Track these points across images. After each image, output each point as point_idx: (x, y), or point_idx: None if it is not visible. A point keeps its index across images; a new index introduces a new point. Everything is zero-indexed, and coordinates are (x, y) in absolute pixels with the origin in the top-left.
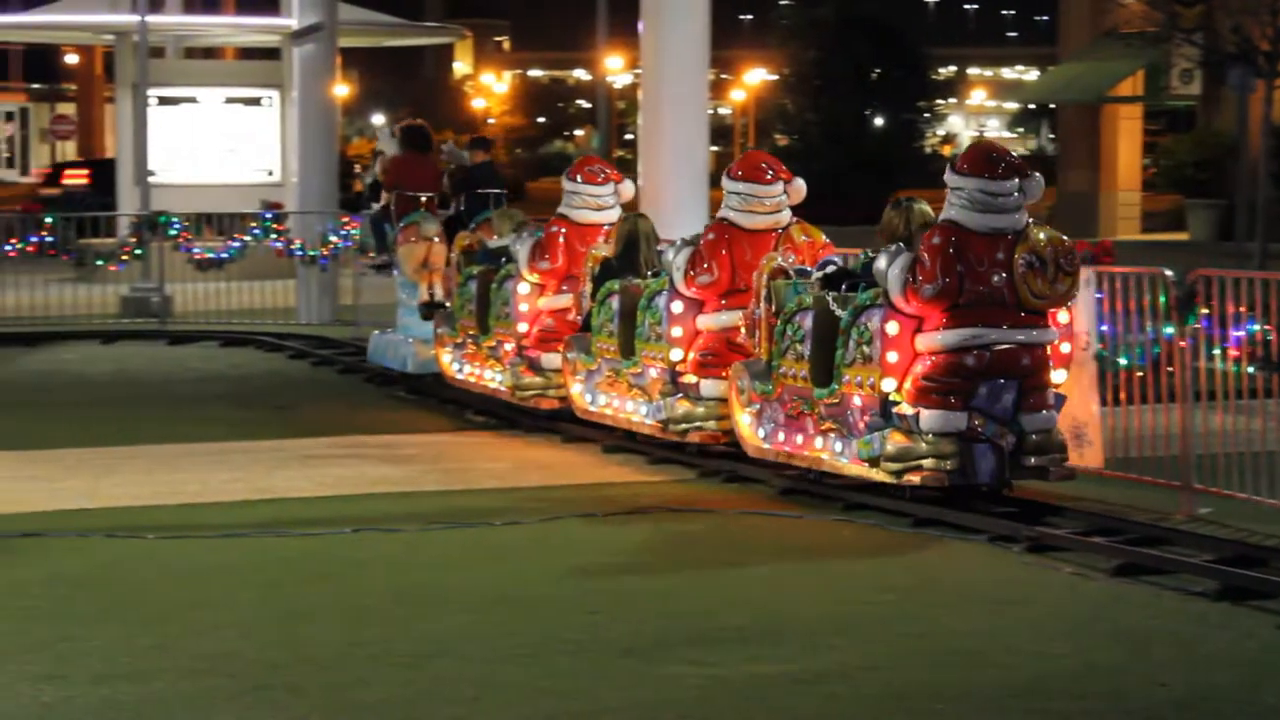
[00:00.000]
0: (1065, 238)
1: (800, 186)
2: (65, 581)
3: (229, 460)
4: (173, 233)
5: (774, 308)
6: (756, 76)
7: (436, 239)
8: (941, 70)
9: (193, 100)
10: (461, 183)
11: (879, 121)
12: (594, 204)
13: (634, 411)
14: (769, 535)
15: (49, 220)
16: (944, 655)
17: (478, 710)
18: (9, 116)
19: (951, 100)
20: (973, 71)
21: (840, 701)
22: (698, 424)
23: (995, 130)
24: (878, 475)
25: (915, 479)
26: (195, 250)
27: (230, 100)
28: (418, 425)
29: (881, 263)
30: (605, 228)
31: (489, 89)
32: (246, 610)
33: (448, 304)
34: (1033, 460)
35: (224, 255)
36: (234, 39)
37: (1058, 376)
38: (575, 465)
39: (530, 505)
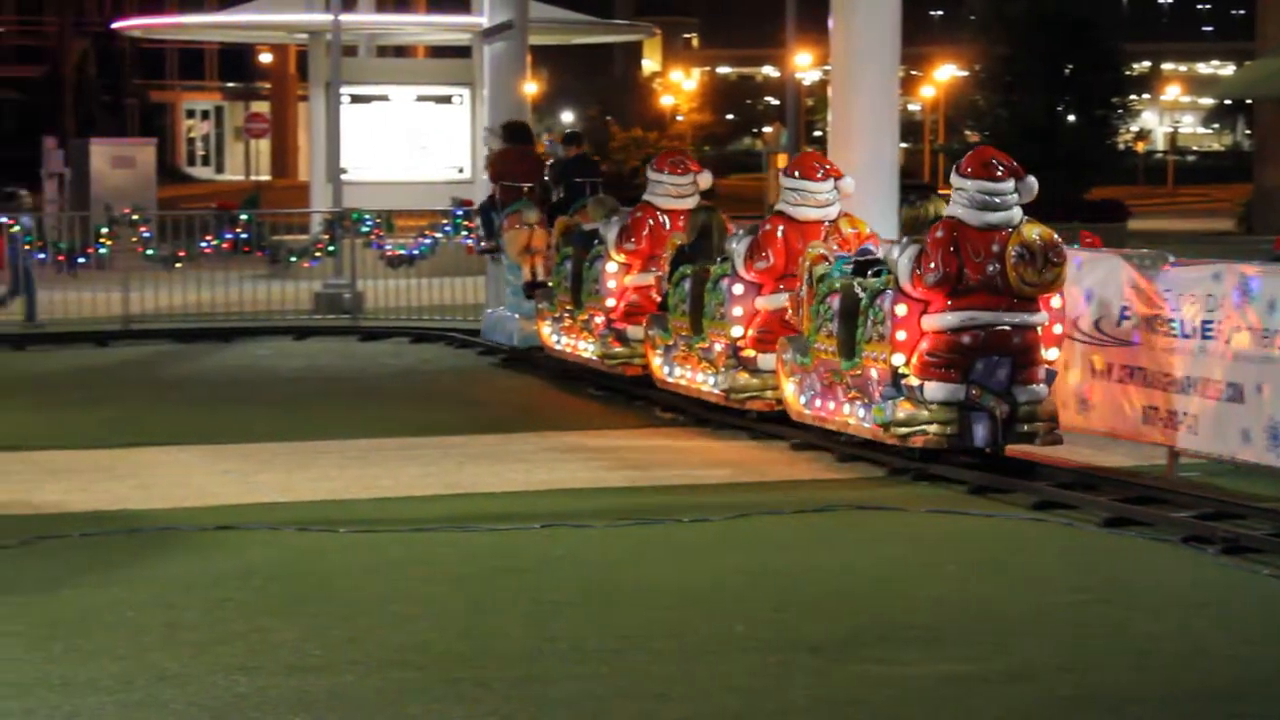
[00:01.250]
0: (1055, 234)
1: (849, 184)
2: (258, 574)
3: (420, 455)
4: (365, 230)
5: (813, 290)
6: (947, 73)
7: (537, 224)
8: (1135, 66)
9: (384, 98)
10: (561, 173)
11: (1071, 118)
12: (675, 192)
13: (703, 382)
14: (958, 534)
15: (244, 218)
16: (1137, 657)
17: (665, 707)
18: (204, 115)
19: (1145, 96)
20: (1167, 67)
21: (1030, 702)
22: (755, 393)
23: (1190, 126)
24: (888, 438)
25: (919, 442)
26: (386, 247)
27: (421, 98)
28: (606, 422)
29: (894, 252)
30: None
31: (677, 86)
32: (436, 604)
33: (548, 283)
34: (1024, 427)
35: (415, 252)
36: (425, 37)
37: (1050, 354)
38: (763, 462)
39: (718, 502)
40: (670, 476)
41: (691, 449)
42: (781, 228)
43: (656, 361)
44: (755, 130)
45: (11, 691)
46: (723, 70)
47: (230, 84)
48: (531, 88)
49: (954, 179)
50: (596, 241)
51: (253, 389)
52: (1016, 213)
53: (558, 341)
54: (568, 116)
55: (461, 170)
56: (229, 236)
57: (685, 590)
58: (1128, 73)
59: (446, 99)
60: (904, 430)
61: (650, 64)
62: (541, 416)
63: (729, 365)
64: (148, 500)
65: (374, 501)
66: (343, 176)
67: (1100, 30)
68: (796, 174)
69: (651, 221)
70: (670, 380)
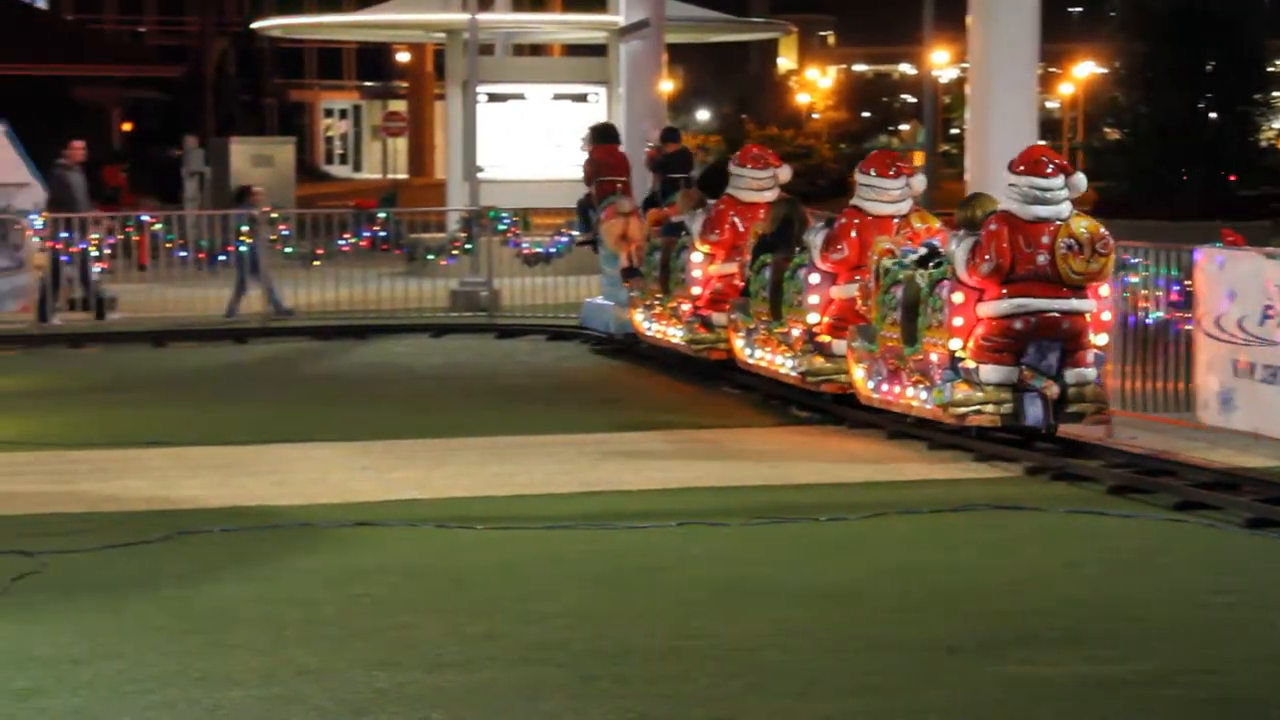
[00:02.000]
0: (1101, 227)
1: (920, 181)
2: (397, 570)
3: (556, 453)
4: (501, 228)
5: (879, 281)
6: (1085, 70)
7: (632, 214)
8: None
9: (521, 97)
10: (659, 167)
11: (1212, 115)
12: (755, 186)
13: (782, 364)
14: (1098, 534)
15: (382, 216)
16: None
17: (803, 705)
18: (343, 114)
19: None
20: None
21: (1170, 705)
22: (828, 376)
23: None
24: (946, 418)
25: (975, 421)
26: (523, 245)
27: (558, 97)
28: (743, 420)
29: (951, 245)
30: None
31: (813, 84)
32: (574, 601)
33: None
34: (1073, 408)
35: (551, 250)
36: (561, 36)
37: (1099, 339)
38: (900, 461)
39: (855, 501)
40: (806, 475)
41: (828, 447)
42: (856, 222)
43: (739, 344)
44: (891, 128)
45: (153, 685)
46: (859, 68)
47: (368, 83)
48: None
49: (1008, 176)
50: (684, 233)
51: (390, 386)
52: (1065, 207)
53: (649, 328)
54: (703, 115)
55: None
56: (367, 234)
57: (822, 589)
58: (1270, 69)
59: (582, 97)
60: (961, 410)
61: (786, 62)
62: (678, 414)
63: (805, 349)
64: (286, 496)
65: (510, 498)
66: (479, 175)
67: (1243, 27)
68: (871, 171)
69: (733, 213)
70: (751, 362)
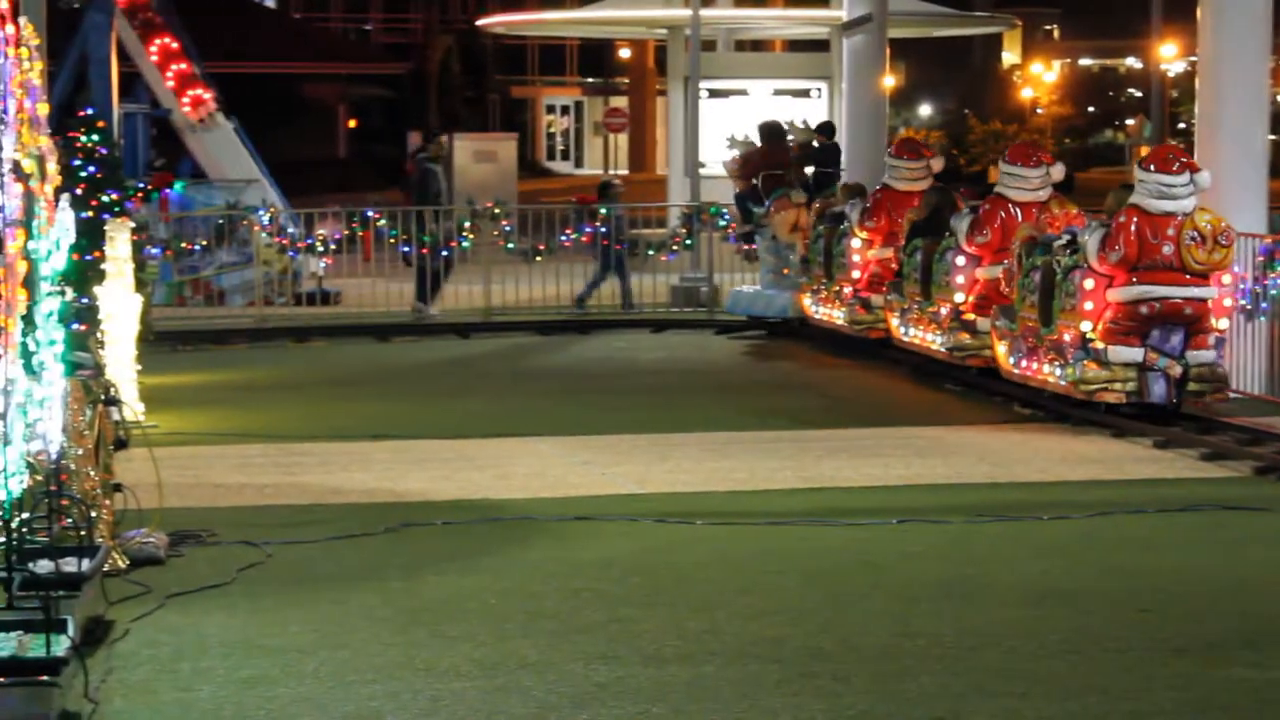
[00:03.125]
0: (1223, 220)
1: (1060, 169)
2: (616, 564)
3: (776, 449)
4: (722, 224)
5: (1020, 265)
6: None
7: (804, 205)
8: None
9: (743, 93)
10: (812, 162)
11: None
12: (909, 176)
13: (932, 341)
14: None
15: (603, 211)
16: None
17: (1025, 705)
18: (564, 110)
19: None
20: None
21: None
22: (974, 352)
23: None
24: (1078, 394)
25: (1104, 398)
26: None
27: (779, 92)
28: (964, 417)
29: (1084, 235)
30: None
31: (1038, 78)
32: (793, 597)
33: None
34: (1193, 387)
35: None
36: (783, 31)
37: (1220, 324)
38: (1124, 459)
39: (1079, 499)
40: (1029, 473)
41: (1050, 446)
42: (999, 209)
43: (894, 323)
44: (1117, 123)
45: (377, 675)
46: (1084, 62)
47: (590, 79)
48: (889, 81)
49: (1137, 172)
50: (844, 221)
51: (610, 381)
52: (1190, 202)
53: (816, 311)
54: (925, 110)
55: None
56: (588, 230)
57: (1045, 588)
58: None
59: (805, 93)
60: (1090, 387)
61: (1010, 56)
62: (898, 411)
63: (953, 327)
64: (508, 490)
65: (730, 494)
66: (700, 170)
67: None
68: (1017, 163)
69: (889, 202)
70: (905, 339)
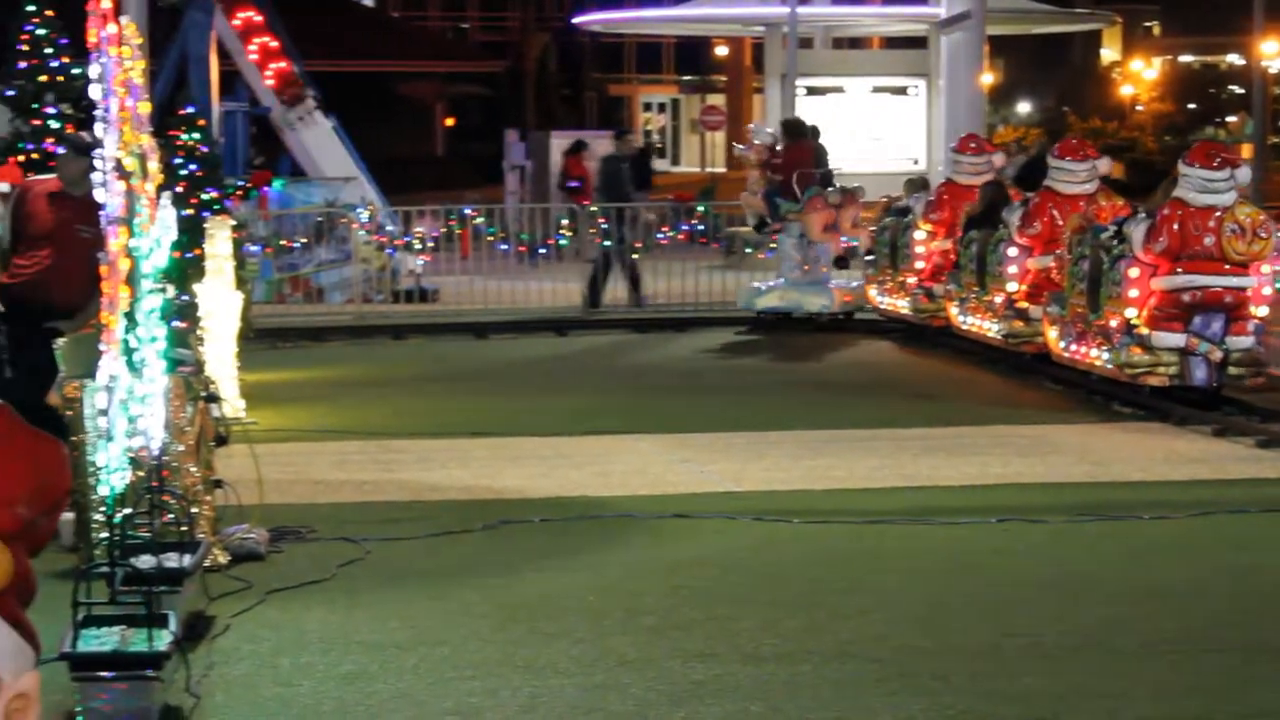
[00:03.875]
0: (1262, 213)
1: (1107, 163)
2: (715, 562)
3: (874, 447)
4: None
5: (1070, 254)
6: None
7: (847, 204)
8: None
9: (840, 90)
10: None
11: None
12: (971, 170)
13: (988, 328)
14: None
15: (699, 209)
16: None
17: (1126, 706)
18: (661, 108)
19: None
20: None
21: None
22: (1027, 338)
23: None
24: (1123, 377)
25: (1147, 380)
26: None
27: (877, 89)
28: (1062, 416)
29: (1129, 226)
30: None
31: (1137, 75)
32: (892, 596)
33: (848, 256)
34: (1233, 370)
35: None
36: (881, 28)
37: (1260, 311)
38: (1226, 459)
39: (1180, 499)
40: (1130, 472)
41: (1151, 445)
42: (1049, 202)
43: (954, 312)
44: (1218, 120)
45: (477, 672)
46: (1185, 59)
47: (686, 77)
48: (988, 78)
49: (1181, 167)
50: (909, 215)
51: (707, 379)
52: (1230, 196)
53: (881, 300)
54: (1024, 107)
55: (916, 161)
56: (684, 228)
57: (1146, 588)
58: None
59: (902, 90)
60: (1135, 370)
61: (1110, 53)
62: (997, 409)
63: (1007, 314)
64: (606, 487)
65: (828, 493)
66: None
67: None
68: (1066, 157)
69: (948, 196)
70: (964, 327)
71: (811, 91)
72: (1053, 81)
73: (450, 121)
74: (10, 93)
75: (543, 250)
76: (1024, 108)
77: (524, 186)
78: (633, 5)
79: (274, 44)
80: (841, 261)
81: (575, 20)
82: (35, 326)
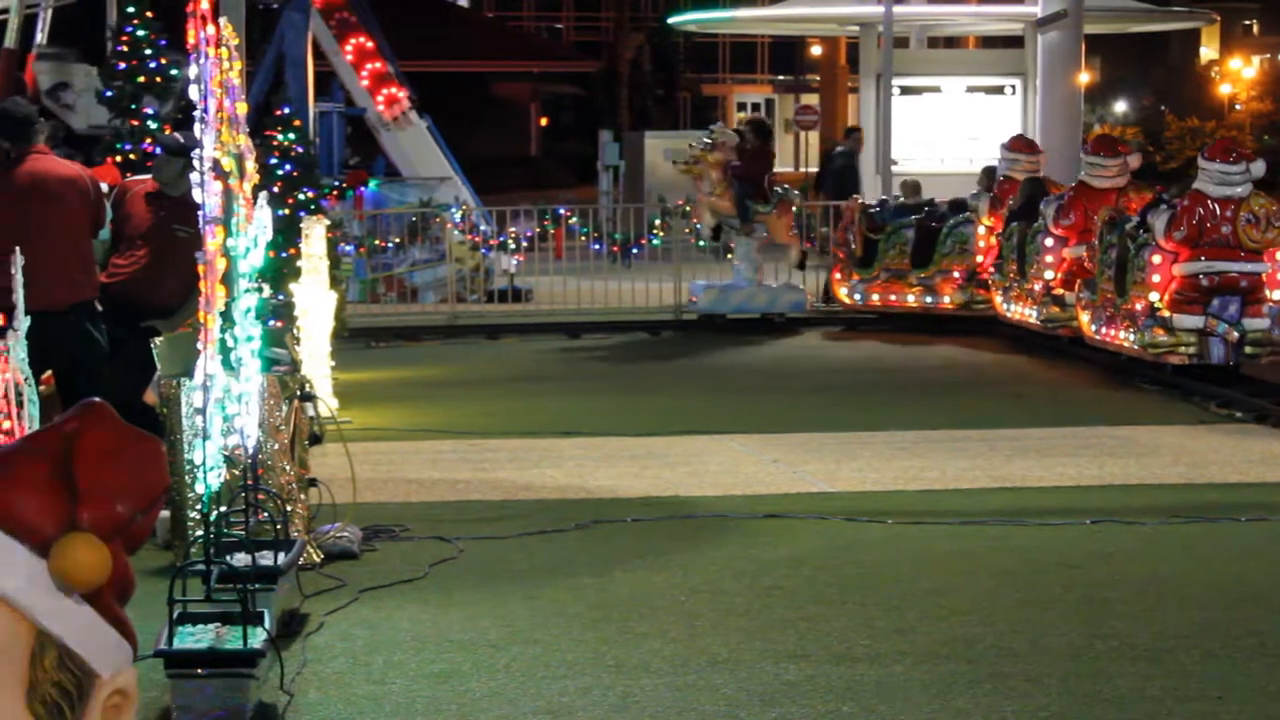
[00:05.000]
0: (1275, 204)
1: (1137, 159)
2: (806, 563)
3: (966, 448)
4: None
5: (1101, 243)
6: None
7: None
8: None
9: (935, 89)
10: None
11: None
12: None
13: (1029, 315)
14: None
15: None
16: None
17: (1222, 709)
18: (755, 108)
19: None
20: None
21: None
22: (1063, 323)
23: None
24: (1147, 356)
25: (1169, 359)
26: None
27: (972, 89)
28: (1157, 417)
29: (1151, 216)
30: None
31: (1236, 74)
32: (985, 597)
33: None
34: (1250, 350)
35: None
36: (976, 27)
37: (1275, 294)
38: None
39: (1278, 501)
40: (1226, 474)
41: (1248, 446)
42: (1082, 195)
43: (998, 299)
44: None
45: (569, 671)
46: None
47: (780, 77)
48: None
49: (1200, 161)
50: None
51: (799, 379)
52: (1245, 188)
53: (1006, 309)
54: (1121, 106)
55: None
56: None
57: (1242, 590)
58: None
59: (999, 89)
60: (1158, 350)
61: (1208, 51)
62: (1090, 410)
63: (1044, 301)
64: (698, 487)
65: (920, 493)
66: (892, 167)
67: None
68: (1099, 153)
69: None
70: (1008, 315)
71: (906, 91)
72: (1150, 80)
73: (544, 121)
74: (109, 93)
75: (636, 250)
76: (1121, 107)
77: (617, 186)
78: (727, 5)
79: (369, 44)
80: (803, 263)
81: (670, 20)
82: (133, 326)
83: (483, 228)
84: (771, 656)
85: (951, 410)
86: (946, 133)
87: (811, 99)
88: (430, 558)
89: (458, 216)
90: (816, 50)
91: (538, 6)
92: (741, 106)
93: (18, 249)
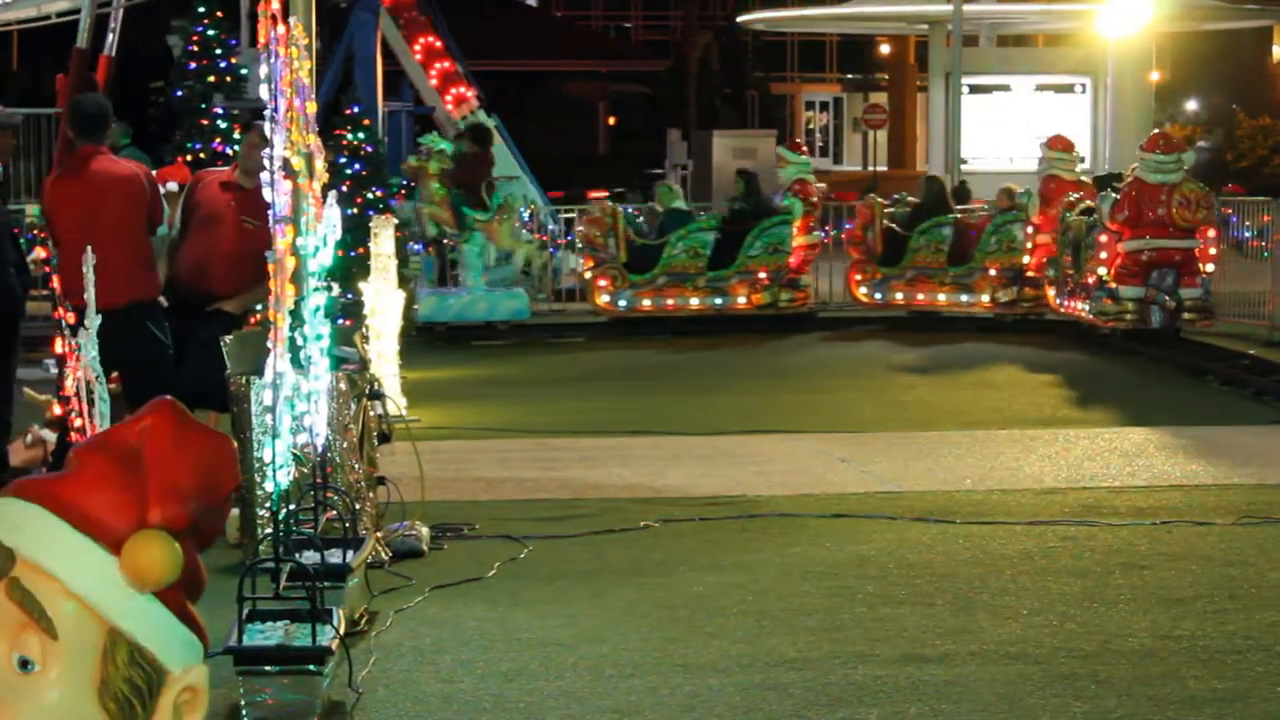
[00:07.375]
0: (1204, 188)
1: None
2: (874, 562)
3: (1036, 447)
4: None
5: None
6: None
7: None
8: None
9: (1005, 88)
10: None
11: None
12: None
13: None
14: None
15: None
16: None
17: None
18: (823, 106)
19: None
20: None
21: None
22: (1114, 316)
23: None
24: (1098, 323)
25: (1115, 325)
26: None
27: (1041, 87)
28: (1230, 416)
29: (1099, 201)
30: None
31: None
32: (1054, 598)
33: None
34: (1186, 315)
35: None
36: (1046, 26)
37: (1207, 268)
38: None
39: None
40: None
41: None
42: (1053, 186)
43: (1052, 293)
44: None
45: (636, 670)
46: None
47: (849, 75)
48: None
49: (1138, 153)
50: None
51: (864, 378)
52: (1178, 175)
53: (1061, 303)
54: (1191, 104)
55: (1082, 160)
56: (848, 226)
57: None
58: None
59: (1069, 88)
60: (1106, 316)
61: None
62: (1160, 409)
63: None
64: (766, 486)
65: (989, 493)
66: (961, 166)
67: None
68: (1066, 151)
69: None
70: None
71: (975, 90)
72: (1221, 79)
73: (612, 120)
74: (179, 93)
75: None
76: (1191, 105)
77: (685, 185)
78: (796, 4)
79: (438, 44)
80: (527, 269)
81: (738, 19)
82: (199, 316)
83: (550, 227)
84: (840, 657)
85: (1021, 408)
86: (1015, 131)
87: (880, 98)
88: (498, 557)
89: (525, 215)
90: (885, 49)
91: (606, 6)
92: (810, 105)
93: (89, 248)
